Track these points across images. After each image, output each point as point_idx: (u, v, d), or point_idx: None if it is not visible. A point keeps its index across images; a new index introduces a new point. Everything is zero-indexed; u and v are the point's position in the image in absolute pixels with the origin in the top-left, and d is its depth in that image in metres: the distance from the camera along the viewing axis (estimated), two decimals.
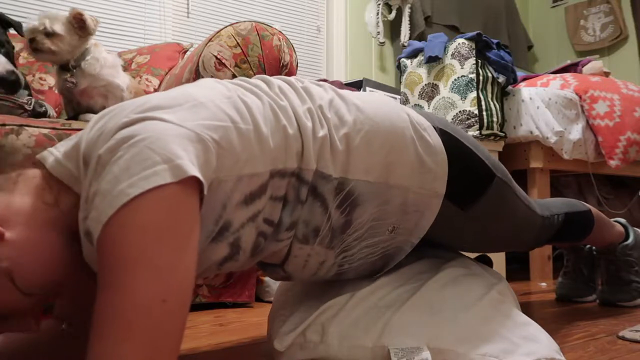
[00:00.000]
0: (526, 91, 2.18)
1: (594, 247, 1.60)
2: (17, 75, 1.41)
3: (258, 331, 1.27)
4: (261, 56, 1.37)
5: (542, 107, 2.13)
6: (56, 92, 1.66)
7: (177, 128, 0.64)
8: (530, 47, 4.02)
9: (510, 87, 2.22)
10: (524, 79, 2.58)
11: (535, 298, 1.74)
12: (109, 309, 0.57)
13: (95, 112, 1.50)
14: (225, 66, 1.35)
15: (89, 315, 0.61)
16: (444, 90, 2.19)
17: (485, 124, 2.08)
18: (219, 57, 1.35)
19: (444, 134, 0.91)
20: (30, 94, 1.56)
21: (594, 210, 1.32)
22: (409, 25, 3.25)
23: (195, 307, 1.53)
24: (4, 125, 1.14)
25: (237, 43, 1.36)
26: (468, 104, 2.10)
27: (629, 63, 3.66)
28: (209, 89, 0.75)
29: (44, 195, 0.70)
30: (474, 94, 2.09)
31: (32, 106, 1.46)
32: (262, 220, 0.76)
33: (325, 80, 2.70)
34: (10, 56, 1.50)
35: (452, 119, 2.14)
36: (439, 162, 0.88)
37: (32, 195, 0.70)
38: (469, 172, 0.93)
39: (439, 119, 0.96)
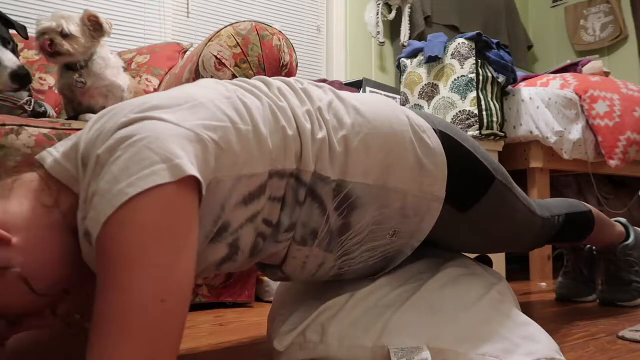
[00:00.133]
0: (526, 91, 2.18)
1: (594, 247, 1.60)
2: (27, 69, 1.41)
3: (258, 331, 1.27)
4: (261, 56, 1.37)
5: (542, 107, 2.13)
6: (56, 92, 1.66)
7: (176, 128, 0.64)
8: (530, 47, 4.02)
9: (510, 87, 2.22)
10: (524, 79, 2.58)
11: (535, 298, 1.74)
12: (109, 308, 0.57)
13: (95, 112, 1.50)
14: (225, 66, 1.35)
15: (89, 314, 0.61)
16: (444, 90, 2.19)
17: (485, 124, 2.07)
18: (219, 57, 1.35)
19: (444, 136, 0.91)
20: (30, 94, 1.56)
21: (594, 210, 1.32)
22: (409, 25, 3.25)
23: (195, 307, 1.53)
24: (4, 125, 1.14)
25: (237, 43, 1.36)
26: (468, 104, 2.10)
27: (629, 63, 3.66)
28: (209, 89, 0.75)
29: (42, 197, 0.70)
30: (474, 94, 2.09)
31: (32, 107, 1.46)
32: (261, 221, 0.76)
33: (325, 81, 2.69)
34: (16, 54, 1.50)
35: (452, 119, 2.14)
36: (438, 165, 0.88)
37: (30, 199, 0.70)
38: (469, 174, 0.93)
39: (440, 120, 0.95)
